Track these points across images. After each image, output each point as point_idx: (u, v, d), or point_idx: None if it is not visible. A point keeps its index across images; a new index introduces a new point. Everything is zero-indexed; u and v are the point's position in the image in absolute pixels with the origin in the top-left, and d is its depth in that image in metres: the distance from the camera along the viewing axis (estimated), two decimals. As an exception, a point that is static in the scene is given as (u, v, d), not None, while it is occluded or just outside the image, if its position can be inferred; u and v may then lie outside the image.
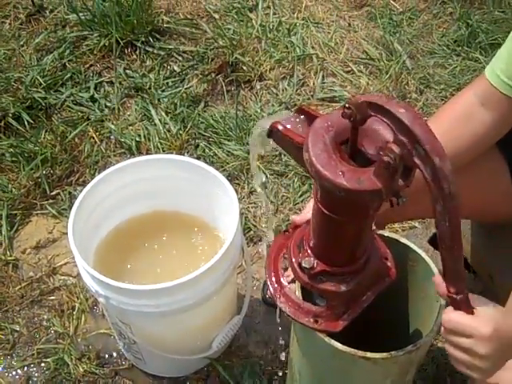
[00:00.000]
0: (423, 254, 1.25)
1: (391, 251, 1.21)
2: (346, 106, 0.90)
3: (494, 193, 1.47)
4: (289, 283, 1.19)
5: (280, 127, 1.03)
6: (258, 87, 2.50)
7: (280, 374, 1.75)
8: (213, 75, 2.51)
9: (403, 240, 1.27)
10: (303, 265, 1.10)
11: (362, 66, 2.58)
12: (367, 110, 0.91)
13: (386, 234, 1.26)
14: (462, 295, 1.01)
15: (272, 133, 1.05)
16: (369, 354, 1.09)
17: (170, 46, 2.60)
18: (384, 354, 1.09)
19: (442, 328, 1.06)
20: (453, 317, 1.03)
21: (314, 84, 2.51)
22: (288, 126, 1.02)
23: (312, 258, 1.10)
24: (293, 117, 1.04)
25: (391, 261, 1.20)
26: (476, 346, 1.01)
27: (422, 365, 1.74)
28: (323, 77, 2.53)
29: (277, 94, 2.47)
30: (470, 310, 1.03)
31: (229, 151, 2.27)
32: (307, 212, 1.21)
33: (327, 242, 1.08)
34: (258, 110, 2.41)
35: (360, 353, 1.10)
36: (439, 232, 0.95)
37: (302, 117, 1.04)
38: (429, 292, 1.24)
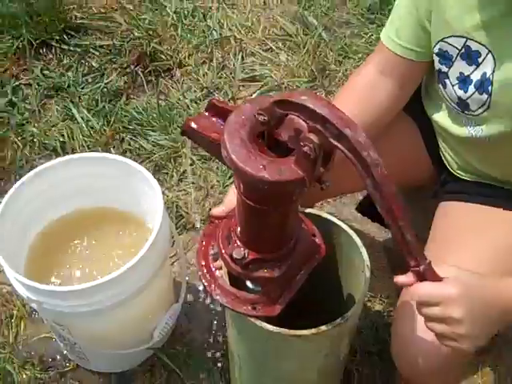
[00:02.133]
0: (345, 227, 1.28)
1: (317, 227, 1.23)
2: (258, 113, 0.91)
3: (410, 158, 1.51)
4: (219, 270, 1.20)
5: (193, 125, 1.03)
6: (179, 74, 2.50)
7: (225, 355, 1.77)
8: (132, 67, 2.49)
9: (325, 215, 1.30)
10: (234, 256, 1.10)
11: (280, 43, 2.60)
12: (276, 109, 0.92)
13: (307, 211, 1.28)
14: (424, 265, 0.97)
15: (186, 132, 1.05)
16: (298, 332, 1.12)
17: (86, 42, 2.57)
18: (313, 330, 1.12)
19: (415, 305, 1.03)
20: (416, 289, 0.99)
21: (234, 66, 2.52)
22: (201, 124, 1.03)
23: (242, 249, 1.11)
24: (205, 113, 1.05)
25: (319, 237, 1.22)
26: (448, 311, 0.97)
27: (360, 330, 1.79)
28: (243, 57, 2.55)
29: (198, 80, 2.47)
30: (437, 278, 0.99)
31: (154, 142, 2.27)
32: (227, 204, 1.22)
33: (255, 231, 1.09)
34: (181, 98, 2.41)
35: (291, 332, 1.12)
36: (378, 205, 0.94)
37: (214, 112, 1.04)
38: (354, 262, 1.28)
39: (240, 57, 2.53)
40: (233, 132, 0.94)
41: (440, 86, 1.33)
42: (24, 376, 1.75)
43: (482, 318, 0.99)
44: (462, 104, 1.30)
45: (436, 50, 1.28)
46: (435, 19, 1.26)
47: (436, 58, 1.30)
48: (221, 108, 1.04)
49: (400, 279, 1.01)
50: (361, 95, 1.36)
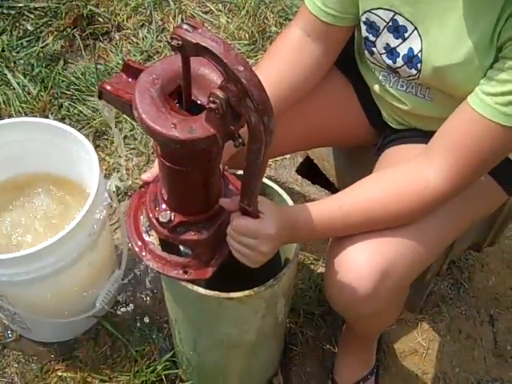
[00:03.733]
0: (276, 187, 1.28)
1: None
2: (172, 37, 0.87)
3: (347, 116, 1.51)
4: (147, 232, 1.19)
5: (108, 87, 1.01)
6: (117, 38, 2.45)
7: (168, 321, 1.77)
8: (68, 30, 2.42)
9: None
10: (161, 219, 1.10)
11: (220, 5, 2.55)
12: (196, 50, 0.88)
13: (238, 173, 1.27)
14: (253, 207, 1.09)
15: (102, 94, 1.03)
16: (232, 295, 1.12)
17: (20, 4, 2.48)
18: (246, 292, 1.13)
19: (231, 230, 1.12)
20: (241, 222, 1.11)
21: (173, 28, 2.47)
22: (115, 85, 1.00)
23: (168, 212, 1.11)
24: (121, 74, 1.02)
25: (249, 198, 1.21)
26: (260, 245, 1.11)
27: (303, 291, 1.80)
28: (182, 20, 2.49)
29: (137, 43, 2.43)
30: (257, 215, 1.12)
31: (93, 107, 2.22)
32: (154, 168, 1.21)
33: (179, 193, 1.09)
34: (120, 62, 2.35)
35: (223, 295, 1.12)
36: (248, 161, 0.98)
37: (129, 72, 1.02)
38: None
39: (179, 19, 2.48)
40: (143, 91, 0.93)
41: (366, 52, 1.33)
42: (-35, 349, 1.73)
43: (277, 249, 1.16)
44: (392, 71, 1.31)
45: (363, 18, 1.28)
46: None
47: (363, 27, 1.30)
48: (136, 69, 1.02)
49: (225, 202, 1.13)
50: (287, 58, 1.35)
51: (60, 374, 1.70)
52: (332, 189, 1.85)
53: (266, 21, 2.48)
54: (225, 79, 0.88)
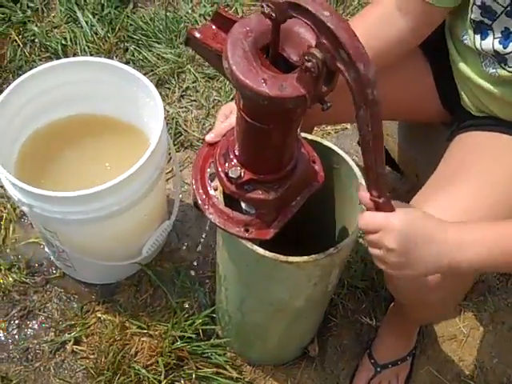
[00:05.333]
0: (346, 156, 1.25)
1: (317, 154, 1.20)
2: (267, 4, 0.85)
3: (418, 93, 1.47)
4: (215, 190, 1.18)
5: (197, 34, 0.98)
6: (189, -13, 2.42)
7: (211, 277, 1.78)
8: (141, -26, 2.41)
9: (326, 143, 1.26)
10: (230, 175, 1.08)
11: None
12: (287, 9, 0.87)
13: (309, 137, 1.25)
14: (384, 198, 1.00)
15: (189, 40, 1.01)
16: (290, 259, 1.11)
17: None
18: (305, 258, 1.11)
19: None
20: (367, 216, 1.04)
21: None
22: (205, 33, 0.98)
23: (239, 168, 1.08)
24: (210, 23, 1.00)
25: (319, 164, 1.19)
26: (384, 239, 1.01)
27: (350, 263, 1.79)
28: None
29: (209, -6, 2.40)
30: (391, 210, 1.03)
31: (159, 54, 2.21)
32: (217, 130, 1.19)
33: (253, 150, 1.06)
34: (189, 11, 2.34)
35: (282, 257, 1.11)
36: (361, 136, 0.93)
37: (219, 22, 0.99)
38: (352, 194, 1.25)
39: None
40: (236, 43, 0.90)
41: (477, 36, 1.27)
42: (10, 279, 1.76)
43: (415, 251, 1.01)
44: (499, 57, 1.25)
45: (478, 2, 1.22)
46: None
47: (477, 10, 1.23)
48: (227, 18, 0.99)
49: (363, 194, 1.04)
50: (371, 27, 1.29)
51: (99, 315, 1.72)
52: (392, 164, 1.82)
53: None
54: (318, 36, 0.85)
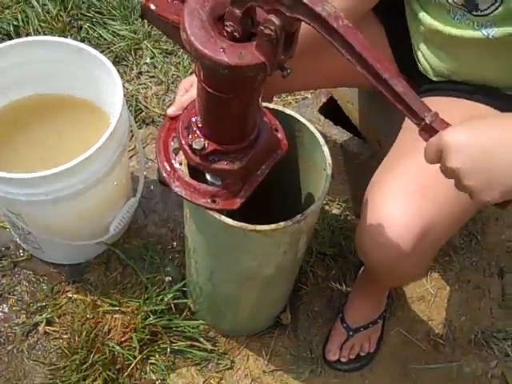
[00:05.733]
0: (307, 123, 1.26)
1: (279, 123, 1.21)
2: (228, 23, 0.87)
3: None
4: (180, 164, 1.18)
5: (152, 7, 0.98)
6: (142, -39, 2.39)
7: (181, 251, 1.78)
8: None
9: (288, 111, 1.27)
10: (194, 146, 1.08)
11: None
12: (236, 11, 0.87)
13: (271, 107, 1.25)
14: (430, 117, 0.85)
15: (145, 13, 1.00)
16: (258, 227, 1.11)
17: None
18: (273, 226, 1.12)
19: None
20: (426, 147, 0.88)
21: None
22: (160, 5, 0.98)
23: (202, 139, 1.08)
24: (165, -7, 1.00)
25: (281, 133, 1.19)
26: (448, 162, 0.86)
27: (317, 231, 1.81)
28: None
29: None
30: (447, 126, 0.87)
31: (114, 31, 2.18)
32: (178, 103, 1.19)
33: (216, 121, 1.06)
34: (143, -14, 2.31)
35: (250, 226, 1.11)
36: (358, 68, 0.85)
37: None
38: (316, 161, 1.26)
39: None
40: (193, 13, 0.90)
41: None
42: (-24, 264, 1.74)
43: (487, 163, 0.86)
44: (470, 4, 1.22)
45: None
46: None
47: None
48: None
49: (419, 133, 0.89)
50: None
51: (70, 295, 1.71)
52: (353, 130, 1.84)
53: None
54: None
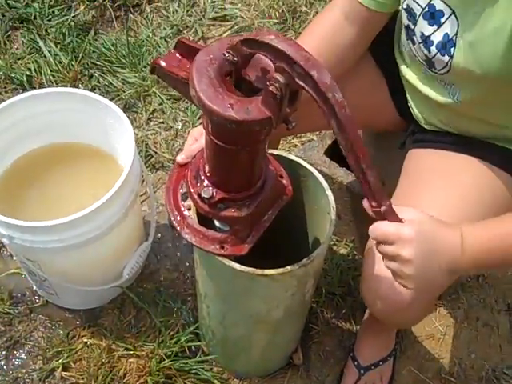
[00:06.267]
0: (312, 169, 1.30)
1: (284, 169, 1.25)
2: (227, 51, 0.92)
3: (374, 103, 1.53)
4: (188, 210, 1.22)
5: (162, 63, 1.03)
6: (148, 10, 2.46)
7: (193, 294, 1.81)
8: (100, 0, 2.44)
9: (292, 157, 1.31)
10: (203, 195, 1.12)
11: (251, -18, 2.56)
12: (244, 48, 0.92)
13: (275, 153, 1.29)
14: (385, 206, 1.00)
15: (155, 69, 1.05)
16: (266, 272, 1.15)
17: (52, -28, 2.50)
18: (280, 270, 1.15)
19: (374, 244, 1.06)
20: (376, 228, 1.02)
21: (204, 4, 2.49)
22: (170, 62, 1.03)
23: (210, 188, 1.12)
24: (174, 51, 1.04)
25: (286, 179, 1.23)
26: (399, 251, 1.00)
27: (326, 271, 1.84)
28: (213, -4, 2.51)
29: (168, 17, 2.44)
30: (397, 219, 1.02)
31: (124, 79, 2.24)
32: (186, 150, 1.23)
33: (223, 170, 1.10)
34: (150, 35, 2.38)
35: (258, 271, 1.15)
36: (342, 146, 0.95)
37: (183, 50, 1.04)
38: (321, 205, 1.30)
39: (211, -6, 2.50)
40: (201, 70, 0.95)
41: (409, 41, 1.34)
42: (-7, 311, 1.77)
43: (429, 261, 1.02)
44: (429, 62, 1.31)
45: (404, 5, 1.29)
46: None
47: (404, 14, 1.31)
48: (189, 47, 1.04)
49: (366, 205, 1.03)
50: (323, 36, 1.37)
51: (85, 340, 1.74)
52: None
53: (296, 0, 2.48)
54: (273, 61, 0.90)
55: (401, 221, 1.01)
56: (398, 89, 1.49)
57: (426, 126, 1.47)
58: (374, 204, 1.00)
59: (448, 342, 1.82)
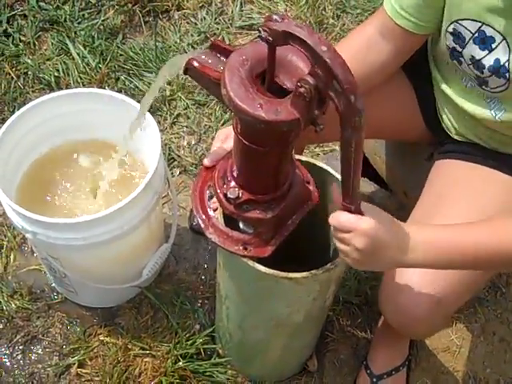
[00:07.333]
0: (339, 177, 1.30)
1: (311, 175, 1.26)
2: (263, 28, 0.90)
3: (402, 114, 1.54)
4: (214, 211, 1.23)
5: (195, 64, 1.04)
6: (177, 17, 2.49)
7: (210, 297, 1.82)
8: (129, 6, 2.47)
9: (320, 164, 1.32)
10: (229, 195, 1.13)
11: (279, -7, 2.58)
12: (284, 37, 0.92)
13: (303, 159, 1.30)
14: (355, 205, 1.08)
15: (188, 70, 1.06)
16: (290, 275, 1.16)
17: (84, -23, 2.54)
18: (305, 274, 1.16)
19: (332, 226, 1.13)
20: (340, 216, 1.10)
21: (232, 12, 2.51)
22: (203, 62, 1.04)
23: (237, 189, 1.14)
24: (207, 52, 1.06)
25: (313, 184, 1.25)
26: (354, 240, 1.08)
27: (344, 280, 1.84)
28: (241, 4, 2.53)
29: (196, 24, 2.46)
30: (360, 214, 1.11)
31: (150, 83, 2.26)
32: (212, 155, 1.25)
33: (251, 172, 1.12)
34: (178, 41, 2.40)
35: (282, 274, 1.16)
36: (343, 154, 1.00)
37: (216, 51, 1.05)
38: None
39: (239, 3, 2.51)
40: (233, 70, 0.96)
41: (455, 62, 1.34)
42: (13, 305, 1.79)
43: (376, 254, 1.10)
44: (479, 80, 1.31)
45: (450, 29, 1.29)
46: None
47: (449, 37, 1.31)
48: (223, 48, 1.05)
49: (337, 196, 1.11)
50: (356, 53, 1.36)
51: (102, 338, 1.76)
52: (380, 182, 1.88)
53: (323, 12, 2.50)
54: (312, 65, 0.91)
55: (362, 213, 1.09)
56: (427, 99, 1.50)
57: (455, 137, 1.48)
58: (347, 201, 1.08)
59: (463, 355, 1.83)
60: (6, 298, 1.80)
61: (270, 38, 0.91)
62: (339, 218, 1.10)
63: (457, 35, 1.29)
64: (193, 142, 2.16)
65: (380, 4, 1.39)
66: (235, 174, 1.14)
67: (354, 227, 1.08)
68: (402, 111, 1.55)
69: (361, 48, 1.38)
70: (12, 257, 1.88)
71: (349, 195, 1.07)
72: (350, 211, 1.09)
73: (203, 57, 1.06)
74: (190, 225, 1.96)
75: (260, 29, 0.91)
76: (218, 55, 1.06)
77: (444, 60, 1.40)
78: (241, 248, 1.18)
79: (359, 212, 1.09)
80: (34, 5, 2.44)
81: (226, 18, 2.49)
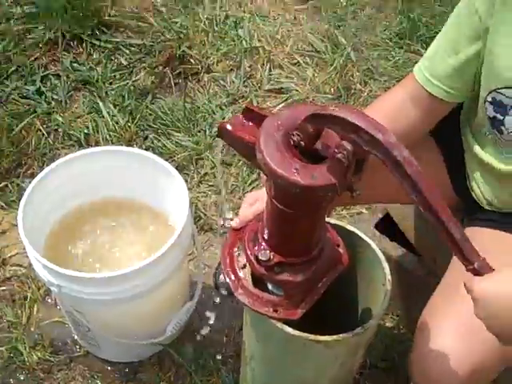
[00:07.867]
0: (370, 241, 1.31)
1: (341, 238, 1.27)
2: (295, 133, 0.96)
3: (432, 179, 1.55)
4: (241, 270, 1.24)
5: (229, 127, 1.07)
6: (206, 79, 2.55)
7: (233, 356, 1.82)
8: (160, 68, 2.54)
9: (350, 227, 1.33)
10: (260, 258, 1.14)
11: (307, 58, 2.64)
12: (309, 127, 0.97)
13: (333, 222, 1.31)
14: (477, 262, 0.96)
15: (221, 133, 1.09)
16: (320, 338, 1.15)
17: (117, 39, 2.62)
18: (334, 337, 1.15)
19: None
20: (471, 285, 0.99)
21: (261, 76, 2.57)
22: (236, 126, 1.07)
23: (268, 251, 1.14)
24: (240, 116, 1.08)
25: (343, 248, 1.26)
26: (475, 310, 1.00)
27: (371, 345, 1.82)
28: (270, 69, 2.59)
29: (224, 86, 2.52)
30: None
31: (177, 142, 2.31)
32: (241, 218, 1.27)
33: (283, 234, 1.13)
34: (206, 102, 2.45)
35: (311, 336, 1.15)
36: (421, 208, 0.94)
37: (249, 115, 1.08)
38: (375, 277, 1.31)
39: (267, 68, 2.58)
40: (268, 135, 0.99)
41: (495, 131, 1.34)
42: (34, 357, 1.79)
43: (500, 317, 0.99)
44: None
45: (489, 98, 1.30)
46: (486, 69, 1.28)
47: (490, 106, 1.31)
48: (256, 113, 1.08)
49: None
50: (386, 114, 1.37)
51: (123, 393, 1.75)
52: (409, 247, 1.88)
53: (351, 78, 2.55)
54: (345, 131, 0.94)
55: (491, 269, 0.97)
56: (457, 168, 1.51)
57: (487, 207, 1.48)
58: (465, 263, 0.97)
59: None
60: (27, 350, 1.80)
61: (302, 143, 0.97)
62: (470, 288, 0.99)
63: (497, 104, 1.29)
64: (219, 201, 2.18)
65: (408, 72, 1.42)
66: (266, 236, 1.15)
67: (469, 289, 0.99)
68: (430, 176, 1.55)
69: (391, 109, 1.39)
70: (35, 308, 1.89)
71: (462, 254, 0.97)
72: (478, 272, 0.96)
73: (236, 120, 1.08)
74: (215, 283, 1.97)
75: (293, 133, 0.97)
76: (251, 119, 1.08)
77: (482, 131, 1.40)
78: (271, 310, 1.18)
79: (488, 268, 0.96)
80: (67, 65, 2.52)
81: (254, 82, 2.55)
